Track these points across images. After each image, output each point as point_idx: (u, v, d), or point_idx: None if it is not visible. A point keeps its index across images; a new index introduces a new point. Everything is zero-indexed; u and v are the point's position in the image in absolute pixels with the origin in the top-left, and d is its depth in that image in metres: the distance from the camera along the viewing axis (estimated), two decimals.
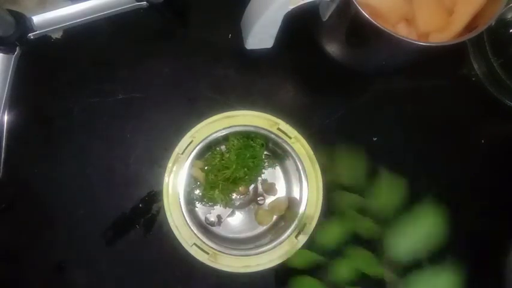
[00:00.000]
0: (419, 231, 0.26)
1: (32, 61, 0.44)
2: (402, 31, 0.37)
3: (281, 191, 0.43)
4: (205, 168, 0.41)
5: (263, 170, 0.42)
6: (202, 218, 0.41)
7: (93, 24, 0.44)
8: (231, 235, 0.42)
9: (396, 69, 0.46)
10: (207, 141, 0.39)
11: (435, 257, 0.29)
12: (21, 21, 0.41)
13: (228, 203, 0.41)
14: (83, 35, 0.44)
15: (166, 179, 0.38)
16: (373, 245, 0.32)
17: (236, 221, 0.42)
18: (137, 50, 0.45)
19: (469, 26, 0.37)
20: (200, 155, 0.40)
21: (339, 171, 0.32)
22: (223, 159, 0.40)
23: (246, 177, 0.41)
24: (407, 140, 0.46)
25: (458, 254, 0.44)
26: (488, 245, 0.44)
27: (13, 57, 0.42)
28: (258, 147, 0.41)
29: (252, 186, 0.42)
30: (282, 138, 0.40)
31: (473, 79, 0.47)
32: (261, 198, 0.42)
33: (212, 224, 0.41)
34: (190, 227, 0.38)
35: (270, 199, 0.43)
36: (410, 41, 0.32)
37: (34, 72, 0.44)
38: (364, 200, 0.30)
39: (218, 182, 0.40)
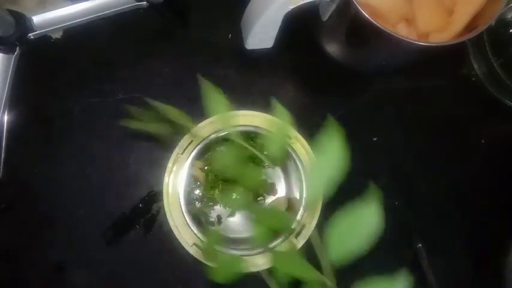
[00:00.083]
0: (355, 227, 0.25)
1: (32, 61, 0.44)
2: (402, 31, 0.37)
3: (281, 191, 0.43)
4: (205, 168, 0.41)
5: (263, 170, 0.42)
6: (203, 218, 0.41)
7: (93, 24, 0.44)
8: (231, 235, 0.42)
9: (396, 69, 0.46)
10: (207, 141, 0.39)
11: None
12: (21, 21, 0.41)
13: (228, 203, 0.41)
14: (83, 35, 0.44)
15: (166, 179, 0.38)
16: None
17: (236, 221, 0.42)
18: (137, 50, 0.45)
19: (469, 26, 0.37)
20: (200, 155, 0.40)
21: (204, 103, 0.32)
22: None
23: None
24: (407, 140, 0.46)
25: (458, 254, 0.44)
26: (488, 245, 0.44)
27: (13, 57, 0.42)
28: (258, 147, 0.41)
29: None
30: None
31: (473, 79, 0.47)
32: (261, 198, 0.42)
33: (212, 224, 0.41)
34: (190, 227, 0.38)
35: (270, 199, 0.43)
36: (410, 41, 0.32)
37: (34, 72, 0.44)
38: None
39: (218, 182, 0.40)
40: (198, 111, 0.43)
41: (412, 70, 0.46)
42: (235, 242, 0.41)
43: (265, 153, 0.41)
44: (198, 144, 0.39)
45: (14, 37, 0.41)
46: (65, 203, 0.42)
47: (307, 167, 0.39)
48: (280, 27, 0.37)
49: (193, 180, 0.41)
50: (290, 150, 0.40)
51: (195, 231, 0.38)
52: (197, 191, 0.42)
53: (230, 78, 0.45)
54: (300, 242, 0.38)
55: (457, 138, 0.47)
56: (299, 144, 0.40)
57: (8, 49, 0.41)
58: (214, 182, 0.40)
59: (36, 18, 0.42)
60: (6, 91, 0.42)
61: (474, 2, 0.36)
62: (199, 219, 0.41)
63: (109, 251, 0.42)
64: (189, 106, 0.44)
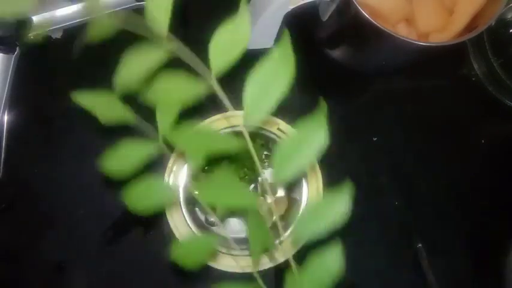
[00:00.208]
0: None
1: (32, 61, 0.44)
2: (402, 31, 0.37)
3: (281, 191, 0.43)
4: (206, 168, 0.41)
5: (263, 170, 0.42)
6: (202, 218, 0.41)
7: None
8: (231, 235, 0.42)
9: (396, 69, 0.46)
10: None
11: None
12: (21, 21, 0.41)
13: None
14: (83, 35, 0.44)
15: (166, 179, 0.38)
16: None
17: (236, 221, 0.42)
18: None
19: (469, 26, 0.37)
20: None
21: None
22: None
23: (246, 177, 0.41)
24: (407, 140, 0.46)
25: (458, 254, 0.44)
26: (488, 245, 0.44)
27: (13, 57, 0.42)
28: (258, 147, 0.41)
29: (252, 186, 0.42)
30: (282, 138, 0.39)
31: (473, 79, 0.47)
32: (261, 198, 0.42)
33: (212, 224, 0.41)
34: (190, 227, 0.38)
35: (270, 199, 0.42)
36: (410, 41, 0.32)
37: (34, 72, 0.44)
38: None
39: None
40: (198, 111, 0.43)
41: (412, 70, 0.46)
42: (235, 242, 0.41)
43: (265, 153, 0.41)
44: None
45: (14, 37, 0.41)
46: (65, 203, 0.42)
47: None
48: (280, 27, 0.37)
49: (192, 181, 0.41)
50: None
51: (195, 231, 0.38)
52: (197, 191, 0.42)
53: (230, 78, 0.45)
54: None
55: (457, 138, 0.47)
56: None
57: (8, 49, 0.42)
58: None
59: (36, 18, 0.42)
60: (6, 91, 0.42)
61: (474, 2, 0.36)
62: (199, 219, 0.41)
63: (109, 251, 0.42)
64: (189, 106, 0.44)
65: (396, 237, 0.44)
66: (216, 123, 0.39)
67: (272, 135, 0.40)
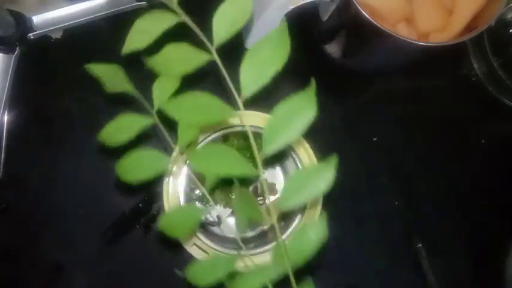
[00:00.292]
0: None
1: (32, 61, 0.44)
2: (402, 31, 0.37)
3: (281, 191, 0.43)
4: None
5: (263, 170, 0.42)
6: (203, 218, 0.41)
7: (93, 24, 0.44)
8: (231, 235, 0.42)
9: (396, 69, 0.46)
10: (207, 141, 0.39)
11: None
12: (21, 21, 0.41)
13: (228, 203, 0.41)
14: (83, 35, 0.44)
15: (166, 179, 0.38)
16: None
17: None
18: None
19: (469, 26, 0.37)
20: None
21: None
22: None
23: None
24: (407, 140, 0.46)
25: (458, 254, 0.44)
26: (488, 245, 0.44)
27: (13, 57, 0.42)
28: (258, 147, 0.41)
29: (252, 186, 0.42)
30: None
31: (473, 79, 0.47)
32: (261, 198, 0.42)
33: (212, 224, 0.41)
34: None
35: (270, 199, 0.42)
36: (410, 41, 0.32)
37: (34, 72, 0.44)
38: None
39: (218, 182, 0.40)
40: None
41: (412, 70, 0.46)
42: (235, 242, 0.41)
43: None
44: (198, 144, 0.39)
45: (14, 37, 0.41)
46: (65, 203, 0.42)
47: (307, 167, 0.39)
48: None
49: (193, 180, 0.41)
50: (290, 150, 0.40)
51: (196, 232, 0.38)
52: (197, 191, 0.42)
53: (230, 78, 0.45)
54: None
55: (457, 138, 0.47)
56: (299, 144, 0.40)
57: (8, 49, 0.42)
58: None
59: (36, 18, 0.42)
60: (6, 91, 0.42)
61: (474, 2, 0.36)
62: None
63: (109, 251, 0.42)
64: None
65: (396, 237, 0.44)
66: (209, 126, 0.39)
67: None
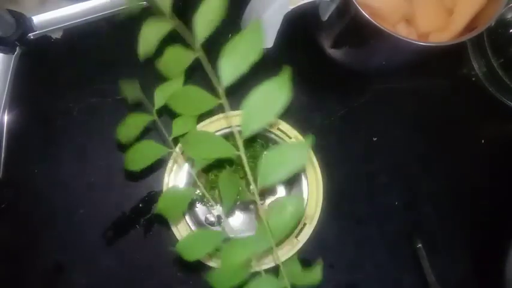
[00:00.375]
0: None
1: (32, 61, 0.44)
2: (402, 31, 0.37)
3: (281, 191, 0.43)
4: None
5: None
6: (202, 218, 0.41)
7: (93, 24, 0.44)
8: (231, 235, 0.42)
9: (396, 69, 0.46)
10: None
11: None
12: (21, 21, 0.41)
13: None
14: (83, 35, 0.44)
15: (166, 179, 0.38)
16: None
17: (236, 221, 0.42)
18: (137, 49, 0.45)
19: (469, 26, 0.37)
20: None
21: None
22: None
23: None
24: (407, 140, 0.46)
25: (458, 254, 0.44)
26: (488, 245, 0.44)
27: (13, 57, 0.42)
28: (258, 147, 0.41)
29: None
30: (282, 138, 0.39)
31: (473, 79, 0.47)
32: (261, 198, 0.42)
33: (212, 224, 0.41)
34: (190, 227, 0.38)
35: (270, 199, 0.43)
36: (410, 41, 0.32)
37: (34, 72, 0.44)
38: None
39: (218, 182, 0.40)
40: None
41: (412, 70, 0.46)
42: None
43: (265, 153, 0.41)
44: None
45: (14, 37, 0.41)
46: (65, 203, 0.42)
47: (307, 167, 0.39)
48: (280, 27, 0.37)
49: (194, 180, 0.41)
50: None
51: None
52: (197, 191, 0.42)
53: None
54: (300, 242, 0.38)
55: (457, 138, 0.47)
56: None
57: (8, 49, 0.42)
58: (214, 182, 0.40)
59: (36, 18, 0.42)
60: (6, 91, 0.42)
61: (474, 2, 0.36)
62: (199, 219, 0.41)
63: (109, 251, 0.42)
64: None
65: (396, 237, 0.44)
66: (215, 123, 0.39)
67: (272, 135, 0.40)
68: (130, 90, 0.34)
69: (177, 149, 0.39)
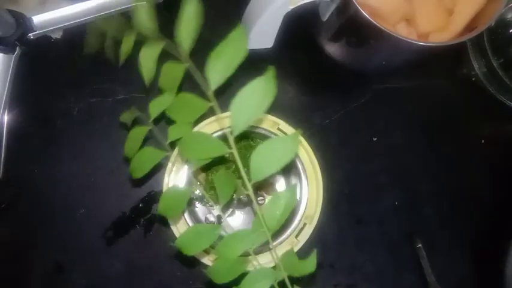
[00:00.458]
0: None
1: (32, 61, 0.44)
2: (402, 31, 0.37)
3: (281, 189, 0.43)
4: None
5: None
6: (202, 218, 0.41)
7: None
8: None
9: (396, 69, 0.46)
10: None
11: None
12: (21, 21, 0.41)
13: (228, 203, 0.41)
14: (83, 35, 0.44)
15: (166, 179, 0.38)
16: None
17: (236, 221, 0.42)
18: (137, 49, 0.45)
19: (469, 26, 0.37)
20: None
21: None
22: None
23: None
24: (407, 140, 0.46)
25: (458, 254, 0.44)
26: (488, 245, 0.44)
27: (13, 57, 0.42)
28: (258, 147, 0.41)
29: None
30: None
31: (473, 79, 0.47)
32: (261, 198, 0.42)
33: (212, 224, 0.41)
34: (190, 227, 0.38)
35: (269, 198, 0.42)
36: (410, 41, 0.32)
37: (34, 72, 0.44)
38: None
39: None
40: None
41: (412, 70, 0.46)
42: None
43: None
44: None
45: (14, 37, 0.41)
46: (65, 203, 0.42)
47: (307, 166, 0.39)
48: (280, 27, 0.37)
49: (193, 180, 0.41)
50: None
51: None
52: (197, 191, 0.42)
53: (230, 78, 0.45)
54: (300, 242, 0.38)
55: (457, 138, 0.47)
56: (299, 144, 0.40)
57: (8, 49, 0.42)
58: (213, 182, 0.40)
59: (36, 18, 0.42)
60: (6, 91, 0.42)
61: (474, 2, 0.36)
62: (199, 219, 0.41)
63: (109, 251, 0.42)
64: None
65: (396, 237, 0.44)
66: (209, 126, 0.39)
67: (272, 135, 0.40)
68: (129, 116, 0.37)
69: (176, 151, 0.39)
